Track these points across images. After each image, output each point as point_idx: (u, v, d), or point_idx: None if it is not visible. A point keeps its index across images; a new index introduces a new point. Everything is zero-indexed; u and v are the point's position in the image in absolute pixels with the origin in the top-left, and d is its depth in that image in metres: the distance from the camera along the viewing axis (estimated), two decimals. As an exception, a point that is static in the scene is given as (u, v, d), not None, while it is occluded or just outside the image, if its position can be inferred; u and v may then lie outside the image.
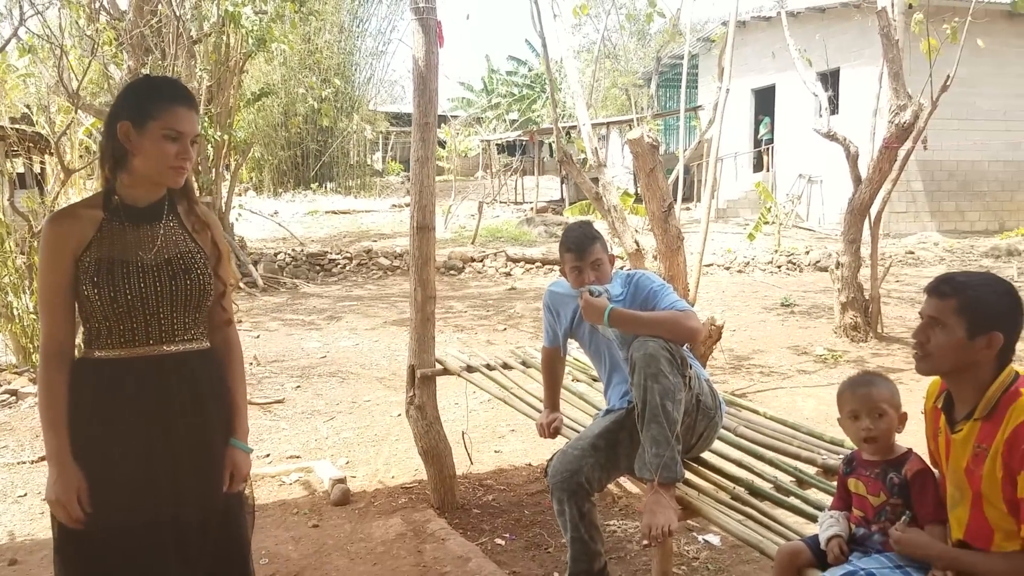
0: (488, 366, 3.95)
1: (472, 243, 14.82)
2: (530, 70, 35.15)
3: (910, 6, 7.07)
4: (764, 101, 20.45)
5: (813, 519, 2.42)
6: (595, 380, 3.73)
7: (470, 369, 3.91)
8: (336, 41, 20.76)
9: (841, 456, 2.81)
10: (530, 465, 4.44)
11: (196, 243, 1.97)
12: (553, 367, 3.20)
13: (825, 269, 12.53)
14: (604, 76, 29.42)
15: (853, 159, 7.42)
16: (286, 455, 4.63)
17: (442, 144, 30.60)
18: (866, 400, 2.08)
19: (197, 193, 2.07)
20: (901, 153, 7.17)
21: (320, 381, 6.25)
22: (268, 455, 4.64)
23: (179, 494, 1.90)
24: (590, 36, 35.27)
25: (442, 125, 31.21)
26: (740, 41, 13.66)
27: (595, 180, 5.60)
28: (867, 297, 7.62)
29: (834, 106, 18.40)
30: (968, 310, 1.76)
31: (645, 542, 2.46)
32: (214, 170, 10.97)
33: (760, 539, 2.32)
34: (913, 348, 1.86)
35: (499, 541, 3.52)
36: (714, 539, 3.54)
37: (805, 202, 18.14)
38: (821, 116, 7.62)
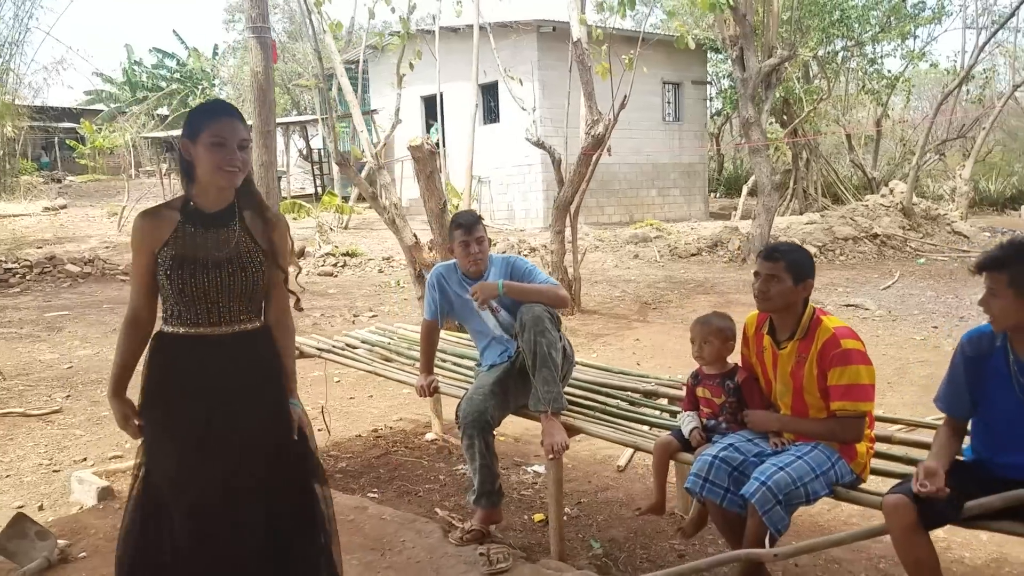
0: (339, 347, 4.42)
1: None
2: (180, 64, 33.15)
3: (590, 35, 8.56)
4: (432, 108, 21.97)
5: (656, 426, 3.40)
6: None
7: (326, 351, 4.34)
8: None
9: (649, 384, 3.88)
10: (359, 436, 4.95)
11: (256, 243, 2.32)
12: (431, 337, 3.81)
13: (510, 259, 14.15)
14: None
15: (557, 163, 8.81)
16: (106, 456, 4.60)
17: (82, 140, 27.68)
18: (704, 331, 3.08)
19: (262, 199, 2.42)
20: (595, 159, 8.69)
21: (88, 389, 6.01)
22: (85, 458, 4.57)
23: (239, 447, 2.28)
24: (245, 35, 34.26)
25: (80, 120, 28.21)
26: (408, 51, 14.79)
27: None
28: (571, 277, 9.08)
29: (495, 114, 20.55)
30: (793, 267, 2.76)
31: (551, 456, 3.24)
32: None
33: (634, 439, 3.24)
34: (756, 295, 2.85)
35: (372, 495, 4.04)
36: (540, 468, 4.40)
37: (477, 201, 19.93)
38: (533, 124, 8.86)
